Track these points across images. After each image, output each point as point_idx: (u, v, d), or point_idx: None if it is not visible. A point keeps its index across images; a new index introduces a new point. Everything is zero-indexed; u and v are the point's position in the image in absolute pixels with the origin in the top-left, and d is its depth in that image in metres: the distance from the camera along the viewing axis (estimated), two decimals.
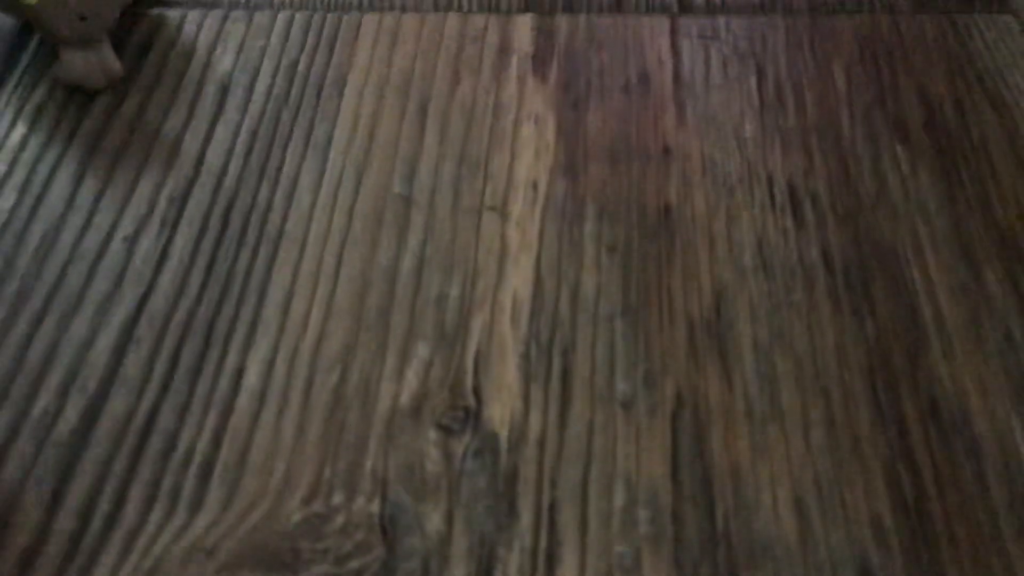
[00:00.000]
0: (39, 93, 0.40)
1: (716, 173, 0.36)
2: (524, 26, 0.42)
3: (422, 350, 0.31)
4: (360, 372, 0.31)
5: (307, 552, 0.27)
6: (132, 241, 0.35)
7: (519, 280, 0.33)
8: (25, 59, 0.41)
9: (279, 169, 0.37)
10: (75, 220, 0.35)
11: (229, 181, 0.37)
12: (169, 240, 0.35)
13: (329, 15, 0.43)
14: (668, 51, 0.41)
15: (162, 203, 0.36)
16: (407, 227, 0.35)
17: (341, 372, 0.31)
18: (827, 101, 0.39)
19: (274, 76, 0.41)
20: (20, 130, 0.39)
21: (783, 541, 0.27)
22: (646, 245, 0.34)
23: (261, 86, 0.40)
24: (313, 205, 0.36)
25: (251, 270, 0.34)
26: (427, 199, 0.36)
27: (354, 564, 0.27)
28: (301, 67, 0.41)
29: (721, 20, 0.42)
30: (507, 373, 0.31)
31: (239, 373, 0.31)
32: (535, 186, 0.36)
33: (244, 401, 0.30)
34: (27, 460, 0.29)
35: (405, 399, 0.30)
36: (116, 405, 0.30)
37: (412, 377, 0.31)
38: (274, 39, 0.42)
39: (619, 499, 0.28)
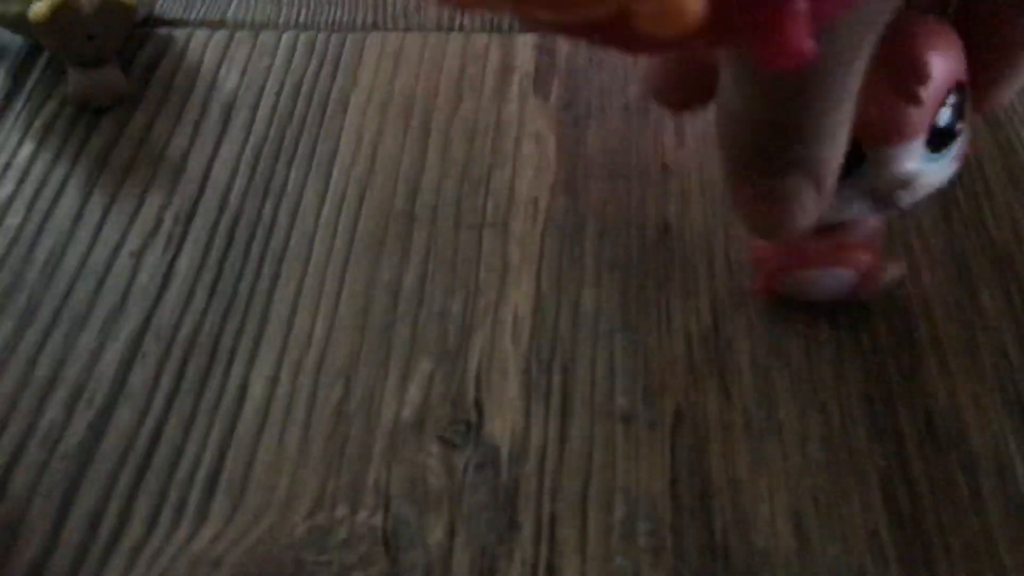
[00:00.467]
0: (47, 111, 0.41)
1: (715, 192, 0.37)
2: (525, 46, 0.43)
3: (424, 365, 0.32)
4: (363, 387, 0.31)
5: (311, 564, 0.27)
6: (139, 257, 0.35)
7: (520, 296, 0.34)
8: (33, 77, 0.42)
9: (283, 187, 0.37)
10: (83, 236, 0.36)
11: (234, 198, 0.37)
12: (175, 256, 0.35)
13: (333, 35, 0.44)
14: None
15: (168, 220, 0.36)
16: (409, 244, 0.35)
17: (344, 386, 0.31)
18: None
19: (278, 95, 0.41)
20: (28, 147, 0.39)
21: (781, 554, 0.27)
22: (645, 262, 0.34)
23: (266, 105, 0.41)
24: (317, 222, 0.36)
25: (255, 286, 0.34)
26: (429, 216, 0.36)
27: None
28: (305, 86, 0.41)
29: None
30: (508, 388, 0.31)
31: (244, 387, 0.31)
32: (536, 203, 0.37)
33: (249, 415, 0.31)
34: (34, 472, 0.29)
35: (408, 413, 0.31)
36: (123, 418, 0.31)
37: (415, 392, 0.31)
38: (279, 59, 0.43)
39: (619, 512, 0.28)
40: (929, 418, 0.30)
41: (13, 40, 0.43)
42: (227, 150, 0.39)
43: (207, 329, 0.33)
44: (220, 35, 0.44)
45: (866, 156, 0.26)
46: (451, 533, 0.28)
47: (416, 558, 0.27)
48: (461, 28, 0.44)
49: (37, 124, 0.40)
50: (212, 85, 0.42)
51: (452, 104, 0.40)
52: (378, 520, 0.28)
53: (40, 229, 0.36)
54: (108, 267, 0.35)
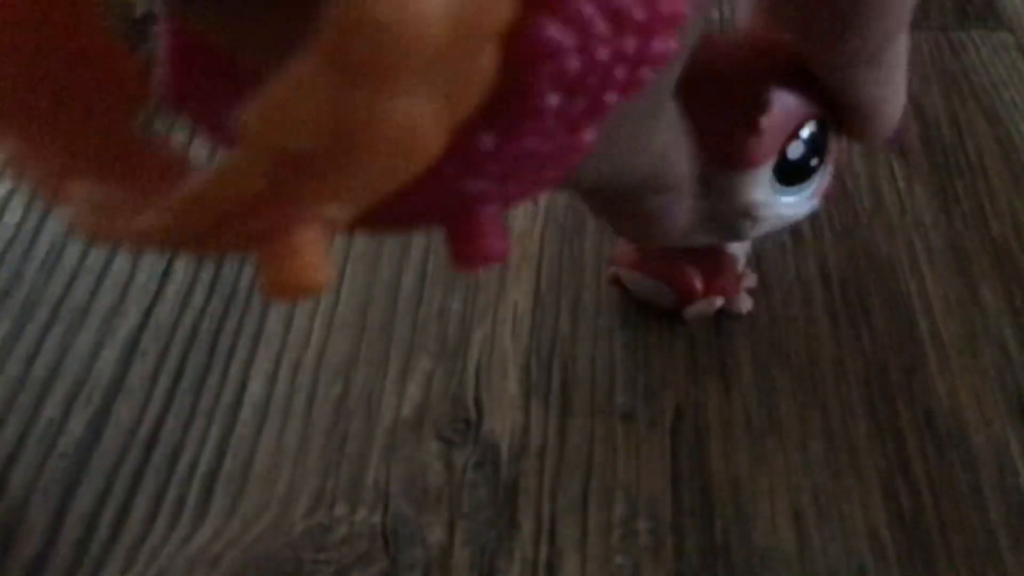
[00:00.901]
0: None
1: None
2: None
3: (424, 363, 0.32)
4: (362, 384, 0.31)
5: (309, 563, 0.27)
6: (137, 255, 0.35)
7: (520, 294, 0.34)
8: None
9: None
10: None
11: None
12: (173, 254, 0.35)
13: None
14: None
15: None
16: (409, 241, 0.35)
17: (343, 384, 0.31)
18: None
19: None
20: None
21: (781, 552, 0.27)
22: None
23: None
24: None
25: (254, 284, 0.34)
26: None
27: (357, 574, 0.27)
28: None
29: None
30: (508, 386, 0.31)
31: (242, 386, 0.31)
32: (535, 200, 0.37)
33: (247, 413, 0.31)
34: (33, 470, 0.29)
35: (407, 411, 0.31)
36: (121, 416, 0.30)
37: (414, 389, 0.31)
38: None
39: (619, 511, 0.28)
40: (930, 416, 0.30)
41: None
42: None
43: (206, 327, 0.33)
44: None
45: (708, 179, 0.25)
46: (450, 531, 0.28)
47: (415, 556, 0.27)
48: None
49: None
50: None
51: None
52: (377, 518, 0.28)
53: (38, 227, 0.36)
54: (107, 265, 0.35)
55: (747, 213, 0.26)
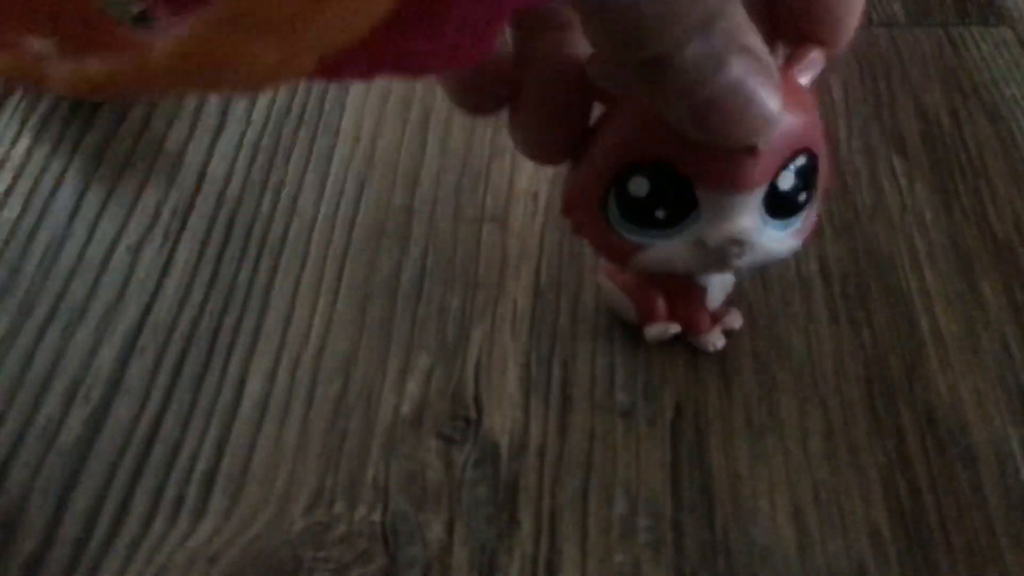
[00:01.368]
0: (44, 106, 0.40)
1: None
2: None
3: (423, 360, 0.32)
4: (361, 382, 0.31)
5: (309, 561, 0.27)
6: (136, 251, 0.35)
7: (519, 291, 0.34)
8: None
9: (281, 180, 0.37)
10: (79, 231, 0.36)
11: (232, 193, 0.37)
12: (173, 250, 0.35)
13: None
14: None
15: (165, 214, 0.36)
16: (408, 238, 0.35)
17: (343, 382, 0.31)
18: (824, 114, 0.39)
19: (276, 89, 0.41)
20: (25, 142, 0.39)
21: (781, 550, 0.27)
22: None
23: (263, 99, 0.41)
24: (315, 217, 0.36)
25: (253, 281, 0.34)
26: (428, 210, 0.36)
27: (356, 572, 0.27)
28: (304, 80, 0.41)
29: None
30: (508, 383, 0.31)
31: (241, 383, 0.31)
32: (535, 197, 0.36)
33: (246, 411, 0.31)
34: (32, 468, 0.29)
35: (406, 409, 0.30)
36: (120, 414, 0.30)
37: (413, 387, 0.31)
38: None
39: (619, 508, 0.28)
40: (930, 413, 0.30)
41: None
42: (225, 144, 0.39)
43: (205, 324, 0.33)
44: None
45: (698, 200, 0.25)
46: (450, 529, 0.28)
47: (415, 554, 0.27)
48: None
49: (34, 118, 0.40)
50: None
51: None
52: (377, 516, 0.28)
53: (37, 223, 0.36)
54: (105, 261, 0.35)
55: (736, 239, 0.25)
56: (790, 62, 0.25)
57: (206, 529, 0.28)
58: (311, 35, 0.13)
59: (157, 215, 0.36)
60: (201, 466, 0.29)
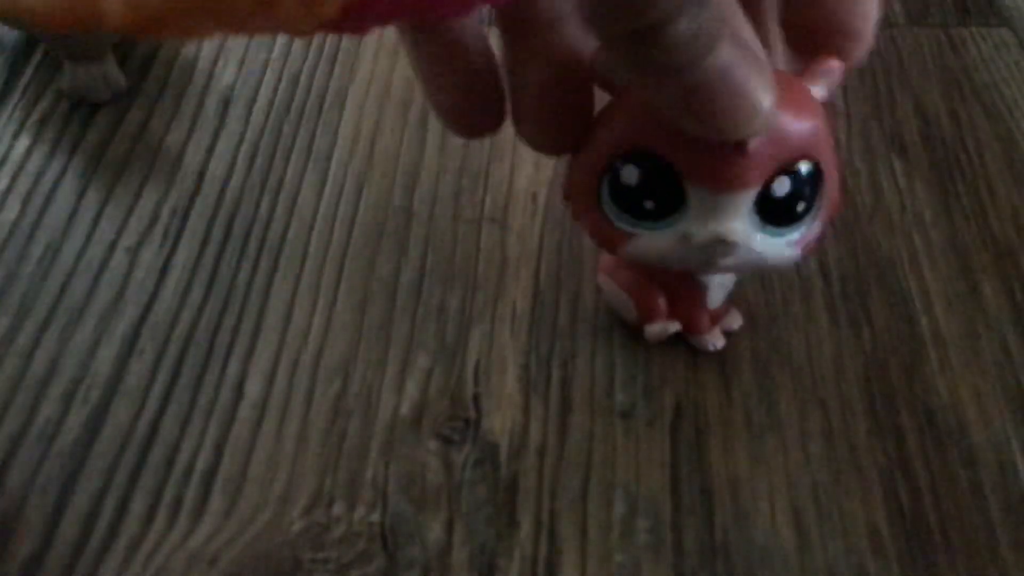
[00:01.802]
0: (43, 106, 0.40)
1: None
2: None
3: (422, 361, 0.32)
4: (361, 383, 0.31)
5: (308, 562, 0.27)
6: (135, 252, 0.35)
7: (519, 291, 0.34)
8: (29, 72, 0.42)
9: (280, 181, 0.37)
10: (78, 231, 0.35)
11: (231, 193, 0.37)
12: (171, 252, 0.35)
13: None
14: None
15: (164, 215, 0.36)
16: (407, 238, 0.35)
17: (342, 383, 0.31)
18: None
19: (276, 89, 0.41)
20: (24, 142, 0.39)
21: (781, 551, 0.27)
22: None
23: (263, 99, 0.40)
24: (314, 217, 0.36)
25: (252, 282, 0.34)
26: (427, 210, 0.36)
27: (355, 573, 0.27)
28: (303, 80, 0.41)
29: None
30: (507, 383, 0.31)
31: (240, 384, 0.31)
32: (535, 198, 0.36)
33: (245, 412, 0.30)
34: (30, 469, 0.29)
35: (405, 410, 0.30)
36: (119, 415, 0.30)
37: (412, 388, 0.31)
38: (276, 52, 0.42)
39: (619, 509, 0.28)
40: (930, 413, 0.30)
41: (9, 34, 0.43)
42: (224, 144, 0.39)
43: (204, 325, 0.33)
44: None
45: (687, 195, 0.25)
46: (449, 530, 0.28)
47: (414, 555, 0.27)
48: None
49: (33, 118, 0.40)
50: (209, 79, 0.41)
51: None
52: (376, 517, 0.28)
53: (36, 224, 0.36)
54: (104, 262, 0.35)
55: (721, 238, 0.25)
56: (805, 72, 0.25)
57: (205, 530, 0.28)
58: None
59: (156, 216, 0.36)
60: (200, 467, 0.29)
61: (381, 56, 0.42)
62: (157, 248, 0.35)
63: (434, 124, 0.39)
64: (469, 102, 0.26)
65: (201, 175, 0.37)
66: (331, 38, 0.43)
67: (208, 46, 0.43)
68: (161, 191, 0.37)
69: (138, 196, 0.37)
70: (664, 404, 0.30)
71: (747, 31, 0.22)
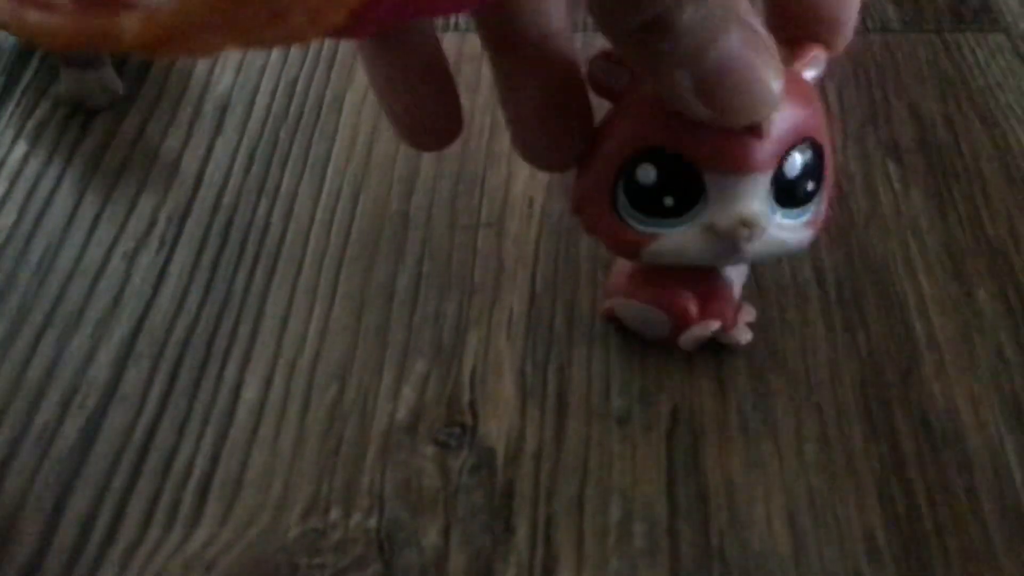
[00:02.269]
0: (40, 111, 0.40)
1: None
2: None
3: (419, 366, 0.32)
4: (357, 388, 0.31)
5: (305, 567, 0.27)
6: (132, 258, 0.35)
7: (515, 296, 0.34)
8: (27, 77, 0.42)
9: (277, 187, 0.37)
10: (76, 237, 0.36)
11: (228, 199, 0.37)
12: (168, 257, 0.35)
13: None
14: None
15: (161, 221, 0.36)
16: (404, 244, 0.35)
17: (338, 388, 0.31)
18: None
19: (273, 94, 0.41)
20: (21, 148, 0.39)
21: (777, 556, 0.27)
22: None
23: (260, 105, 0.41)
24: (311, 222, 0.36)
25: (249, 287, 0.34)
26: (424, 216, 0.36)
27: None
28: (300, 86, 0.41)
29: None
30: (503, 389, 0.31)
31: (237, 389, 0.31)
32: (531, 203, 0.37)
33: (242, 417, 0.31)
34: (27, 475, 0.29)
35: (402, 415, 0.30)
36: (115, 421, 0.30)
37: (409, 393, 0.31)
38: (273, 58, 0.43)
39: (615, 514, 0.28)
40: (925, 419, 0.30)
41: (6, 39, 0.43)
42: (221, 150, 0.39)
43: (201, 330, 0.33)
44: None
45: (706, 186, 0.25)
46: (446, 536, 0.28)
47: (411, 561, 0.27)
48: (457, 28, 0.44)
49: (30, 124, 0.40)
50: (206, 85, 0.41)
51: None
52: (372, 523, 0.28)
53: (33, 230, 0.36)
54: (101, 268, 0.35)
55: (745, 223, 0.26)
56: (794, 59, 0.26)
57: (202, 536, 0.28)
58: None
59: (153, 221, 0.36)
60: (197, 472, 0.29)
61: None
62: (154, 253, 0.35)
63: None
64: (427, 111, 0.26)
65: (198, 180, 0.38)
66: (328, 44, 0.43)
67: None
68: (158, 196, 0.37)
69: (135, 201, 0.37)
70: (660, 409, 0.31)
71: (752, 15, 0.22)
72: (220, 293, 0.34)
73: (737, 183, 0.25)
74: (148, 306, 0.33)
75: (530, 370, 0.32)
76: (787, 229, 0.27)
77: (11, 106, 0.41)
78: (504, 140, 0.37)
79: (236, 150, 0.39)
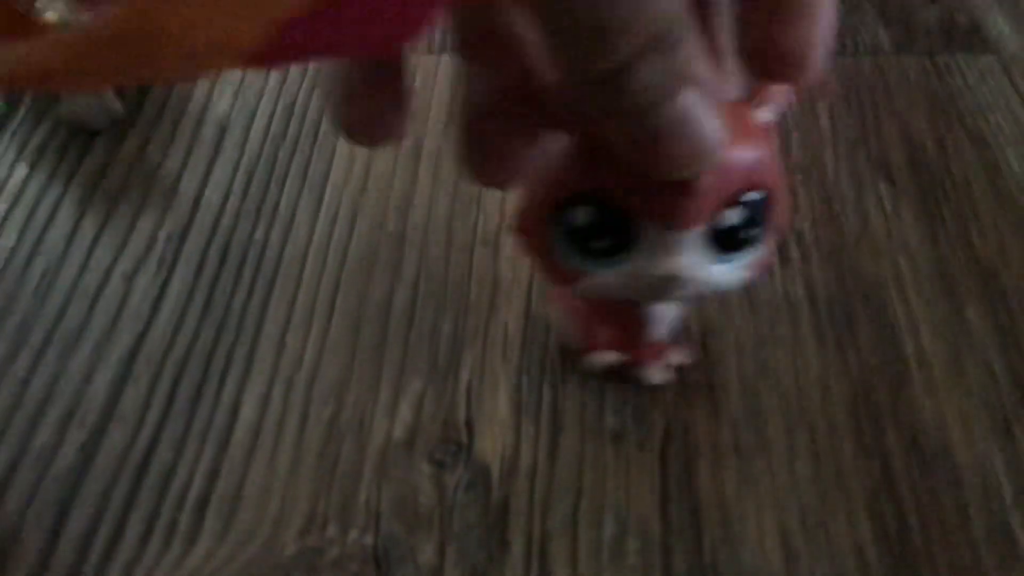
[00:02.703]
0: (41, 133, 0.41)
1: None
2: None
3: (415, 384, 0.32)
4: (354, 406, 0.31)
5: None
6: (131, 279, 0.35)
7: (511, 314, 0.34)
8: (27, 99, 0.42)
9: (275, 207, 0.38)
10: (75, 258, 0.36)
11: (226, 219, 0.37)
12: (167, 278, 0.35)
13: None
14: None
15: (160, 241, 0.36)
16: (401, 263, 0.36)
17: (335, 406, 0.31)
18: (811, 141, 0.40)
19: (271, 116, 0.41)
20: (22, 169, 0.39)
21: (768, 571, 0.28)
22: None
23: (258, 126, 0.41)
24: (309, 242, 0.36)
25: (247, 306, 0.34)
26: (420, 235, 0.36)
27: None
28: (298, 107, 0.42)
29: None
30: (499, 406, 0.31)
31: (235, 408, 0.31)
32: None
33: (240, 435, 0.31)
34: (26, 494, 0.29)
35: (398, 433, 0.31)
36: (114, 439, 0.31)
37: (405, 411, 0.31)
38: (271, 80, 0.43)
39: (609, 530, 0.28)
40: (915, 435, 0.31)
41: None
42: (220, 171, 0.39)
43: (199, 350, 0.33)
44: None
45: (639, 234, 0.25)
46: (441, 552, 0.28)
47: None
48: (453, 49, 0.44)
49: (30, 146, 0.40)
50: (205, 107, 0.42)
51: (443, 124, 0.41)
52: (369, 539, 0.28)
53: (33, 251, 0.36)
54: (100, 289, 0.35)
55: (672, 275, 0.25)
56: (750, 97, 0.25)
57: (200, 553, 0.28)
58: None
59: (152, 242, 0.36)
60: (195, 491, 0.29)
61: None
62: (153, 274, 0.35)
63: (428, 150, 0.40)
64: (378, 120, 0.26)
65: (197, 202, 0.38)
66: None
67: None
68: (157, 217, 0.37)
69: (134, 223, 0.37)
70: (654, 427, 0.31)
71: (704, 68, 0.22)
72: (218, 312, 0.34)
73: (669, 236, 0.25)
74: (147, 326, 0.34)
75: (525, 388, 0.32)
76: (721, 273, 0.26)
77: (12, 128, 0.41)
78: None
79: (235, 171, 0.39)
